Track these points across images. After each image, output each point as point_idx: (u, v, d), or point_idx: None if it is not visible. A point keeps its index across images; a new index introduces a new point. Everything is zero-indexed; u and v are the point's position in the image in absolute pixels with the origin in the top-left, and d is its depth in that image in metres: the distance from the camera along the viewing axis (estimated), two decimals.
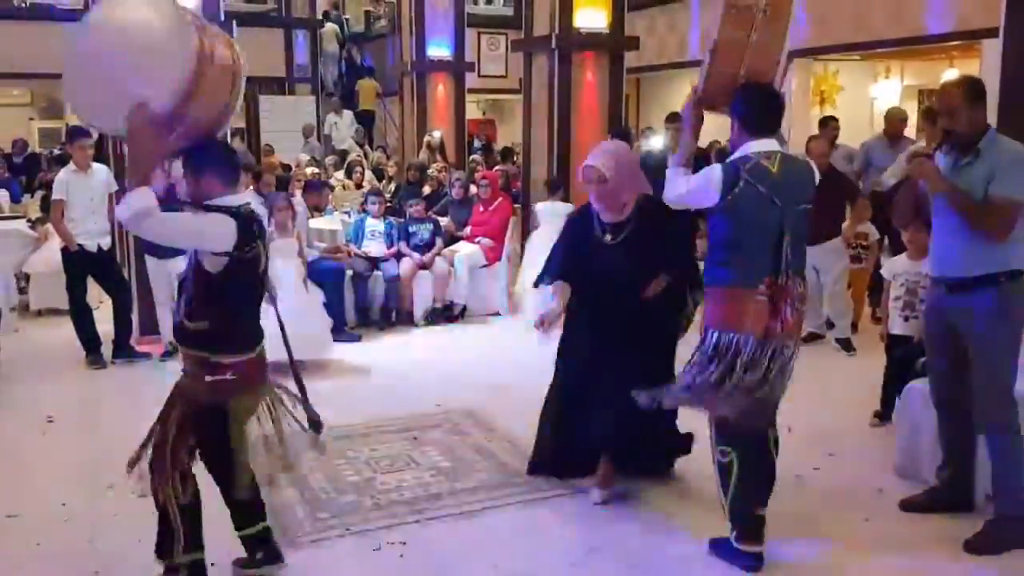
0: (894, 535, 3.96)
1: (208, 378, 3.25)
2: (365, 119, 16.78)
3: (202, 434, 3.34)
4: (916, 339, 5.09)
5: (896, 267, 5.44)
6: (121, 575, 3.65)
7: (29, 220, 8.76)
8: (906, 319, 5.29)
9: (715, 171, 3.52)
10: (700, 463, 4.67)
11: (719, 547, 3.74)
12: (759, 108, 3.56)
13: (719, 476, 3.71)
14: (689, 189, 3.59)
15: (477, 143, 15.16)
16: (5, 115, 17.14)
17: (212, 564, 3.51)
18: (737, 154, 3.57)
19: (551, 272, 4.40)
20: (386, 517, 4.11)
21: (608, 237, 4.20)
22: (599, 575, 3.65)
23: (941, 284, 3.95)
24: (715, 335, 3.53)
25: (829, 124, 8.43)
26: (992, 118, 4.10)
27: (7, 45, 14.49)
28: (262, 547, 3.51)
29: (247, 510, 3.47)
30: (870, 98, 13.54)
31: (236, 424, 3.30)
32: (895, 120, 8.06)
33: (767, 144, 3.53)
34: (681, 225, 4.39)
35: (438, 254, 8.01)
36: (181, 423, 3.32)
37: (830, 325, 7.05)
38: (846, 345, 6.83)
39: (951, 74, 12.14)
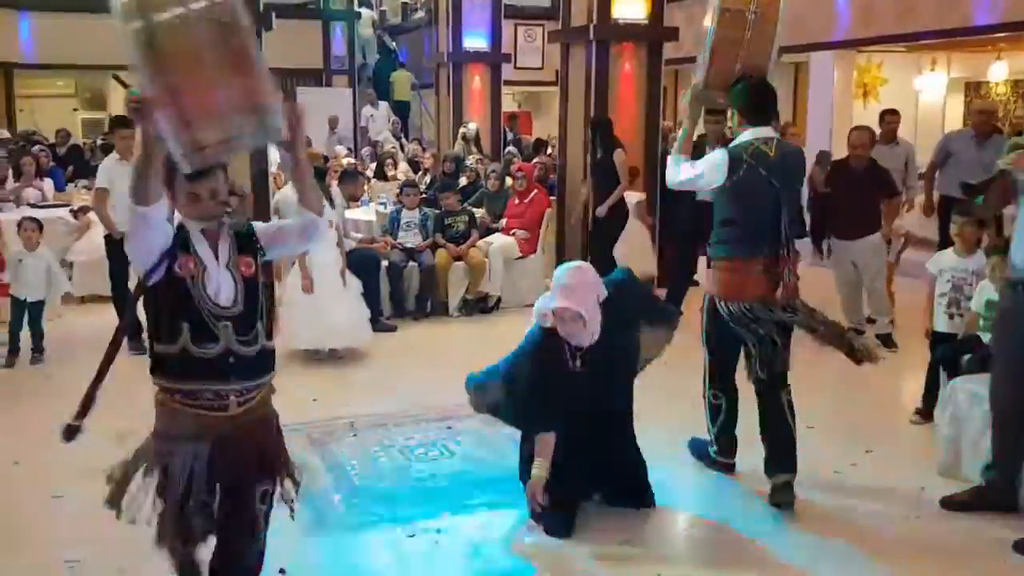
0: (936, 535, 3.90)
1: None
2: (400, 110, 16.83)
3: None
4: (960, 336, 5.01)
5: (943, 263, 5.30)
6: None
7: (72, 209, 8.89)
8: (951, 316, 5.18)
9: (720, 155, 3.95)
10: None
11: (697, 445, 4.50)
12: (756, 100, 4.01)
13: (708, 413, 4.36)
14: (696, 173, 4.03)
15: (510, 135, 15.13)
16: (50, 106, 17.42)
17: None
18: (738, 140, 4.02)
19: (542, 423, 3.94)
20: (421, 505, 4.13)
21: (578, 363, 3.93)
22: (633, 565, 3.63)
23: (1015, 285, 3.82)
24: (724, 304, 4.05)
25: (886, 119, 8.00)
26: None
27: (52, 37, 14.73)
28: None
29: None
30: (915, 91, 13.31)
31: None
32: (986, 115, 7.73)
33: (764, 131, 3.98)
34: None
35: (473, 245, 8.02)
36: None
37: (870, 321, 6.95)
38: (886, 341, 6.72)
39: (998, 67, 11.94)
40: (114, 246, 6.61)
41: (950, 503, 4.07)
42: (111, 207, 6.54)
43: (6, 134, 12.58)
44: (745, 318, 3.99)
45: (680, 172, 4.12)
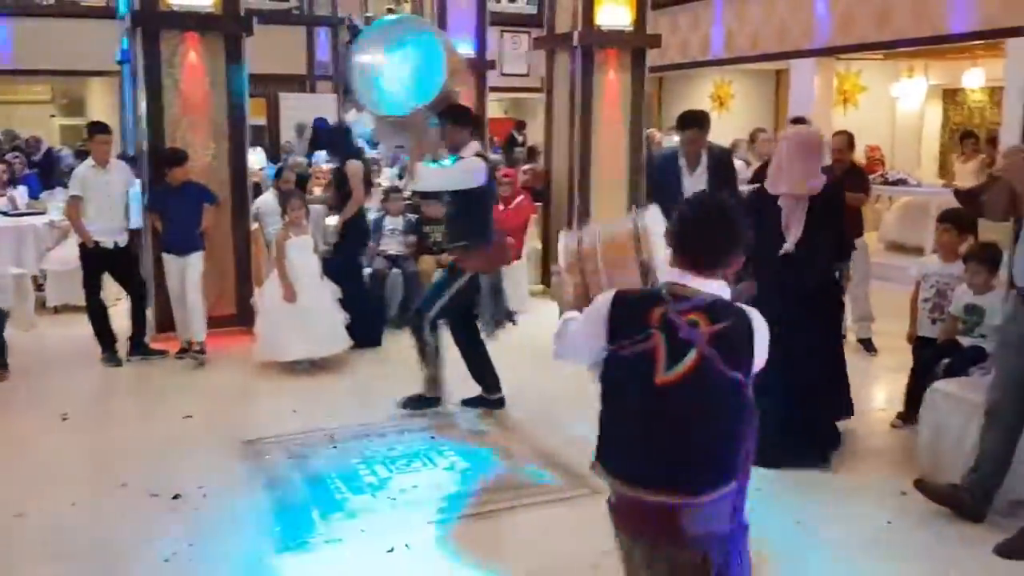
0: (918, 539, 3.86)
1: None
2: None
3: None
4: (940, 341, 5.00)
5: (927, 268, 5.33)
6: (130, 575, 3.59)
7: (50, 220, 8.69)
8: (933, 321, 5.18)
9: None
10: None
11: None
12: None
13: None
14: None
15: (517, 136, 15.02)
16: (27, 112, 17.20)
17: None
18: None
19: None
20: (401, 518, 4.05)
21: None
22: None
23: (1018, 295, 3.77)
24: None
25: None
26: (1016, 119, 3.93)
27: (29, 42, 14.54)
28: None
29: None
30: (892, 98, 13.38)
31: None
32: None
33: None
34: None
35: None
36: None
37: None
38: (868, 345, 6.72)
39: (975, 74, 12.01)
40: (88, 256, 6.48)
41: (923, 487, 4.04)
42: (84, 216, 6.40)
43: None
44: None
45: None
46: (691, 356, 2.11)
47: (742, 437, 2.14)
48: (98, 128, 6.63)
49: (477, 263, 5.33)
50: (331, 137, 8.25)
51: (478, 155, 5.19)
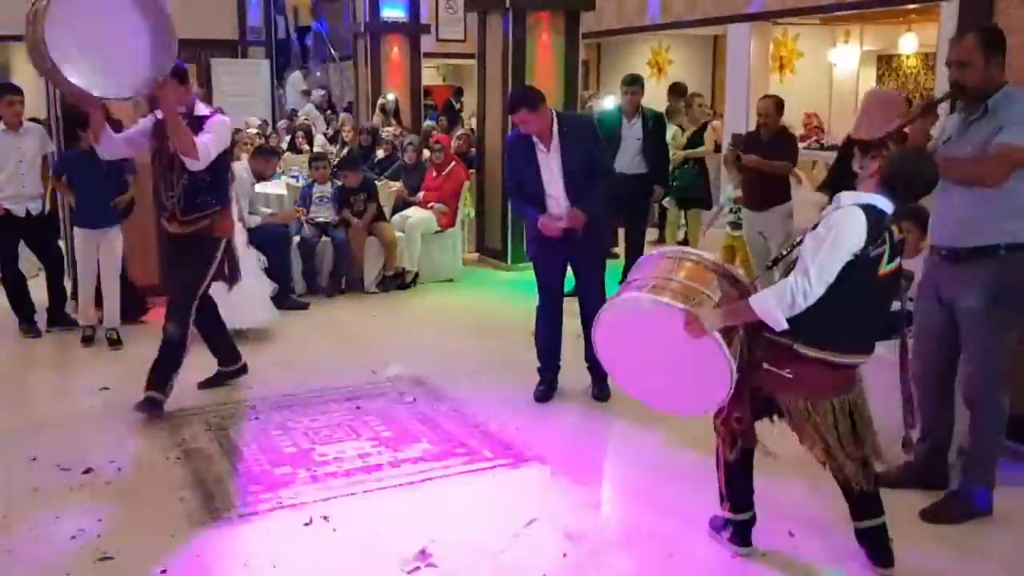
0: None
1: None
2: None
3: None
4: None
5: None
6: (34, 552, 3.46)
7: None
8: None
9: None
10: (645, 445, 4.60)
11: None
12: None
13: None
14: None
15: (455, 103, 14.82)
16: None
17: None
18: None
19: None
20: (321, 490, 3.96)
21: None
22: (538, 547, 3.53)
23: (936, 253, 3.76)
24: None
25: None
26: (946, 82, 3.89)
27: None
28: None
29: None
30: (829, 64, 13.45)
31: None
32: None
33: None
34: None
35: (367, 224, 7.69)
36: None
37: None
38: None
39: (909, 39, 12.11)
40: (3, 224, 6.20)
41: (882, 480, 4.00)
42: None
43: None
44: None
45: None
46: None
47: None
48: (6, 89, 6.31)
49: (228, 225, 4.95)
50: None
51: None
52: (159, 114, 4.63)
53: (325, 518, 3.70)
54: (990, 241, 3.55)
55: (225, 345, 5.33)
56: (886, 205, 3.01)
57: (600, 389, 5.10)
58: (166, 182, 4.72)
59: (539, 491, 4.05)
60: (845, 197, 3.06)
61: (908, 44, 12.20)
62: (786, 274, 3.08)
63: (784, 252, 3.48)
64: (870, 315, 3.11)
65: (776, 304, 2.96)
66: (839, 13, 10.75)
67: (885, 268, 3.01)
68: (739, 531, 3.42)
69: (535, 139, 4.87)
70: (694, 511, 3.66)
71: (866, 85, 13.50)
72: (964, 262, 3.61)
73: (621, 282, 4.24)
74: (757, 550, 3.42)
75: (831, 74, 13.41)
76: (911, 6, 9.96)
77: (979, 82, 3.51)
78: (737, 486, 3.38)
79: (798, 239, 3.20)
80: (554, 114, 4.92)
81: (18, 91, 6.34)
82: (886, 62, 13.49)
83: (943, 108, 4.02)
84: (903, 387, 3.35)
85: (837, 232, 2.93)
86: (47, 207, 6.40)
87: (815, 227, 3.06)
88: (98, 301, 6.23)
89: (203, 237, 4.79)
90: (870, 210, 2.97)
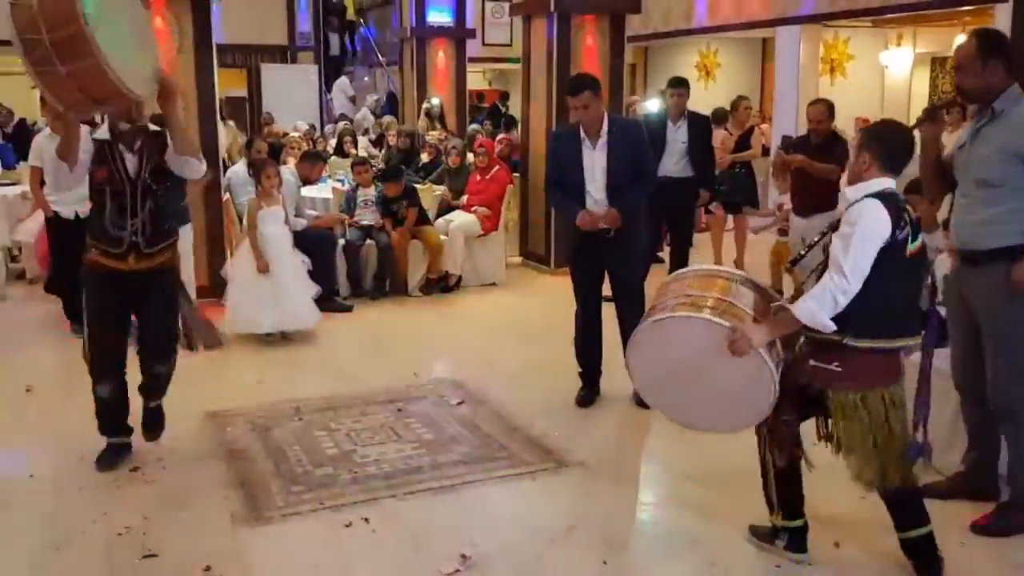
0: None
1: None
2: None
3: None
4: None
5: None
6: (82, 549, 3.52)
7: (23, 190, 8.54)
8: None
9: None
10: (687, 452, 4.56)
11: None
12: None
13: None
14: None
15: (501, 107, 14.84)
16: (7, 83, 16.94)
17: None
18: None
19: None
20: (362, 492, 3.97)
21: None
22: (578, 554, 3.51)
23: (956, 256, 3.71)
24: None
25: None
26: None
27: (2, 14, 14.34)
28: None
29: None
30: (881, 66, 13.23)
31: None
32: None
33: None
34: None
35: (409, 229, 7.68)
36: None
37: None
38: None
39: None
40: (51, 226, 6.33)
41: (929, 492, 3.89)
42: (45, 185, 6.20)
43: None
44: None
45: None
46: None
47: None
48: None
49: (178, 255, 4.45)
50: None
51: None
52: (101, 133, 4.14)
53: (366, 520, 3.71)
54: (1010, 242, 3.47)
55: None
56: (892, 185, 3.08)
57: None
58: (121, 211, 4.05)
59: (580, 496, 4.02)
60: (852, 191, 3.12)
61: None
62: (818, 278, 3.06)
63: (802, 253, 3.51)
64: (910, 296, 3.17)
65: (818, 308, 2.98)
66: (891, 16, 10.55)
67: (911, 248, 3.05)
68: (795, 538, 3.38)
69: (582, 134, 4.87)
70: (737, 519, 3.61)
71: (919, 87, 13.26)
72: (984, 264, 3.54)
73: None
74: (805, 559, 3.36)
75: (883, 77, 13.20)
76: (965, 8, 9.74)
77: (978, 86, 3.49)
78: (787, 492, 3.34)
79: (815, 239, 3.28)
80: (605, 113, 4.94)
81: None
82: (940, 64, 13.23)
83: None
84: (920, 387, 3.33)
85: (862, 226, 2.97)
86: None
87: (835, 227, 3.10)
88: None
89: (164, 272, 4.22)
90: (884, 196, 3.03)
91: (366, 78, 19.19)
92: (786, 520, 3.37)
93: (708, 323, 3.08)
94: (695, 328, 3.11)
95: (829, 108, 6.55)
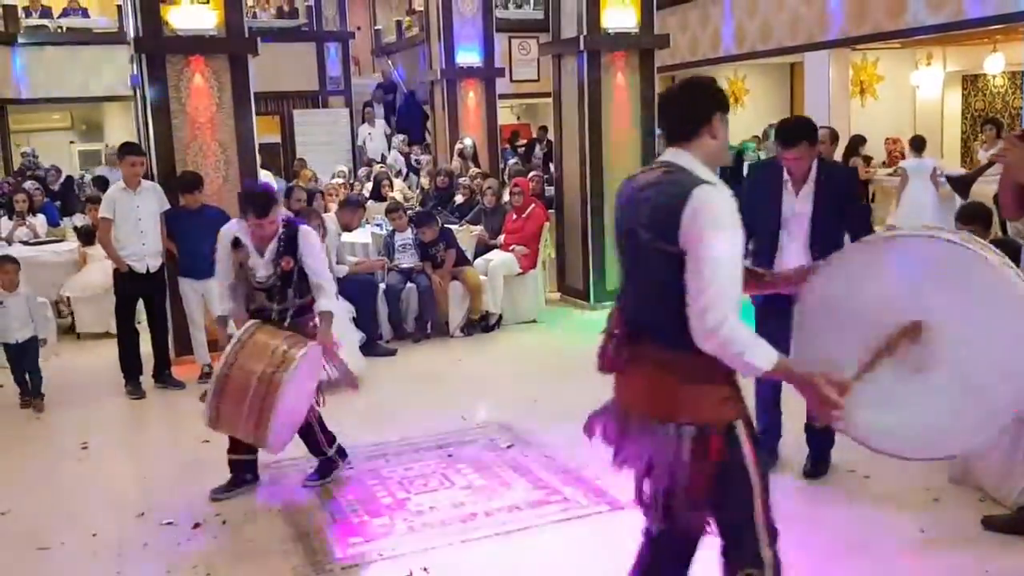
0: (956, 549, 3.74)
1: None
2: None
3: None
4: None
5: None
6: None
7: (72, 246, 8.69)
8: None
9: None
10: None
11: None
12: None
13: None
14: None
15: (539, 150, 14.88)
16: (47, 140, 17.38)
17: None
18: None
19: None
20: (419, 540, 4.00)
21: None
22: None
23: None
24: None
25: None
26: None
27: (45, 70, 14.75)
28: None
29: None
30: (912, 87, 13.17)
31: None
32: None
33: None
34: None
35: (448, 271, 7.80)
36: None
37: None
38: None
39: (995, 59, 11.77)
40: (121, 280, 6.38)
41: (991, 523, 3.80)
42: (115, 239, 6.29)
43: None
44: None
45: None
46: None
47: None
48: (128, 149, 6.48)
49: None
50: None
51: None
52: (247, 229, 4.48)
53: (425, 570, 3.72)
54: None
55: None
56: None
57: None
58: (270, 297, 4.53)
59: (638, 538, 4.00)
60: None
61: (995, 64, 11.86)
62: None
63: None
64: None
65: None
66: (920, 37, 10.53)
67: None
68: None
69: (785, 175, 4.32)
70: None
71: (952, 106, 13.18)
72: None
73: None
74: None
75: (914, 97, 13.13)
76: (996, 26, 9.70)
77: None
78: None
79: None
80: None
81: (140, 152, 6.55)
82: (971, 82, 13.14)
83: None
84: None
85: None
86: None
87: None
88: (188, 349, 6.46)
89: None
90: None
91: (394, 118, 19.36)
92: None
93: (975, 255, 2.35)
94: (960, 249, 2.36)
95: (832, 135, 6.67)
